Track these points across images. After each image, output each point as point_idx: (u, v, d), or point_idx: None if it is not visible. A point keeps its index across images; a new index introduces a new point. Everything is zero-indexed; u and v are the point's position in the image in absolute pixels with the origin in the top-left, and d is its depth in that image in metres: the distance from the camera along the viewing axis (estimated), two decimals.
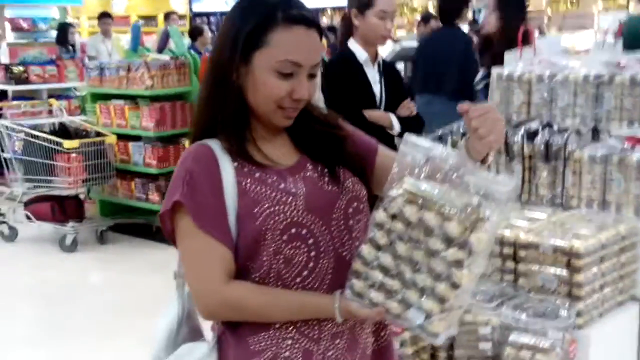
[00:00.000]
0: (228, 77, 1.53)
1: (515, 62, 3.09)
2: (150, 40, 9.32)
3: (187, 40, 8.39)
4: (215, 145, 1.53)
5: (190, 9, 21.07)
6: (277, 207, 1.49)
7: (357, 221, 1.58)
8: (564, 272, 2.17)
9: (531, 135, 2.68)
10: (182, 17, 15.87)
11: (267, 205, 1.49)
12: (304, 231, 1.51)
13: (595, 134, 2.65)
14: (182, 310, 1.65)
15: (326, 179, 1.58)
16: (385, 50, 6.38)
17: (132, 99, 6.13)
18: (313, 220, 1.52)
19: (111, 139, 5.99)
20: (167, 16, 11.39)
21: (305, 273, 1.52)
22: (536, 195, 2.66)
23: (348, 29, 3.54)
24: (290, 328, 1.52)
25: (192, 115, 6.10)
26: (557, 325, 2.07)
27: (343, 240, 1.56)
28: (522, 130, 2.70)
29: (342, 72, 3.38)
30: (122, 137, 6.10)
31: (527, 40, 3.73)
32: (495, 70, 3.07)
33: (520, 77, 2.97)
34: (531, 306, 2.15)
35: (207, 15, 21.39)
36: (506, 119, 2.90)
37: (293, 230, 1.50)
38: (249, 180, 1.51)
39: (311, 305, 1.51)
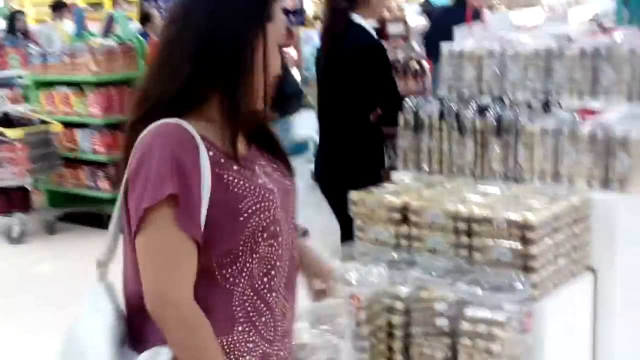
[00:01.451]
0: (238, 52, 1.42)
1: (465, 38, 3.07)
2: (96, 26, 9.08)
3: (136, 25, 8.20)
4: (190, 128, 1.40)
5: None
6: (263, 204, 1.43)
7: (294, 224, 1.56)
8: (518, 245, 2.16)
9: (483, 110, 2.66)
10: (130, 2, 15.52)
11: (252, 201, 1.41)
12: (278, 229, 1.47)
13: (547, 107, 2.64)
14: (115, 307, 1.49)
15: (279, 171, 1.54)
16: None
17: (77, 85, 5.97)
18: (282, 217, 1.48)
19: (56, 127, 5.83)
20: (115, 1, 11.14)
21: (272, 272, 1.48)
22: (489, 170, 2.65)
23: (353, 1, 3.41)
24: (252, 332, 1.47)
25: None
26: (512, 298, 2.06)
27: (293, 237, 1.54)
28: (473, 106, 2.68)
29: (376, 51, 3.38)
30: (69, 125, 5.94)
31: (478, 17, 3.74)
32: (445, 46, 3.05)
33: (471, 52, 2.96)
34: (486, 280, 2.14)
35: None
36: (457, 95, 2.88)
37: (272, 228, 1.45)
38: (229, 173, 1.42)
39: None
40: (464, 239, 2.25)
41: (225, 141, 1.43)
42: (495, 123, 2.60)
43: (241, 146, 1.48)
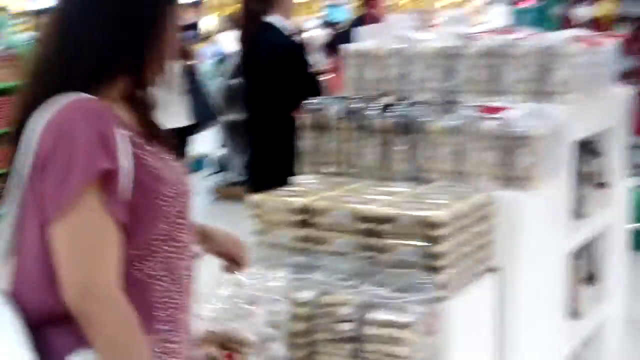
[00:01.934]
0: (148, 29, 1.35)
1: (367, 38, 3.01)
2: None
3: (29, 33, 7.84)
4: (104, 104, 1.30)
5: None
6: (179, 187, 1.33)
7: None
8: (423, 244, 2.10)
9: (385, 109, 2.60)
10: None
11: (170, 183, 1.32)
12: (186, 213, 1.38)
13: (449, 105, 2.60)
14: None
15: (171, 154, 1.44)
16: None
17: None
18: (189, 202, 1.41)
19: None
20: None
21: (187, 263, 1.39)
22: (393, 170, 2.58)
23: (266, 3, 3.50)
24: (173, 331, 1.36)
25: None
26: (417, 299, 1.99)
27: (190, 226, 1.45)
28: (376, 105, 2.62)
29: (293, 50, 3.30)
30: None
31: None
32: (347, 47, 2.98)
33: (373, 52, 2.90)
34: (392, 282, 2.06)
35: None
36: (360, 95, 2.81)
37: (186, 214, 1.36)
38: (144, 152, 1.31)
39: None
40: (368, 240, 2.17)
41: (135, 122, 1.34)
42: (399, 122, 2.54)
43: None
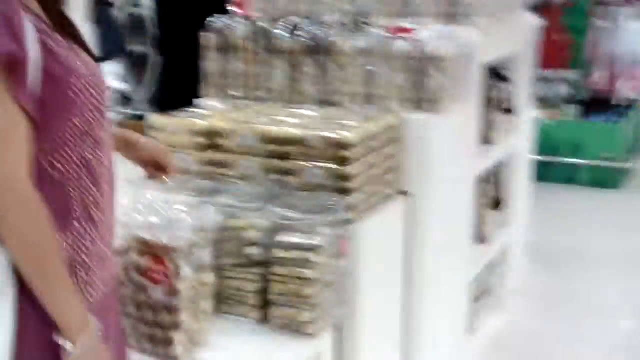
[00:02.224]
0: None
1: None
2: None
3: None
4: None
5: None
6: (91, 79, 1.22)
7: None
8: (333, 166, 2.03)
9: (294, 30, 2.49)
10: None
11: (82, 73, 1.21)
12: (102, 108, 1.27)
13: (359, 26, 2.52)
14: None
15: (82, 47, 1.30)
16: None
17: None
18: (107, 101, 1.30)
19: None
20: None
21: (105, 162, 1.28)
22: (301, 93, 2.49)
23: None
24: (91, 228, 1.27)
25: None
26: (326, 221, 1.93)
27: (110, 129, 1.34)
28: (284, 25, 2.50)
29: None
30: None
31: None
32: None
33: None
34: (301, 205, 1.99)
35: None
36: (268, 16, 2.68)
37: (102, 109, 1.25)
38: (52, 40, 1.19)
39: (68, 295, 1.21)
40: (276, 162, 2.09)
41: (42, 11, 1.22)
42: (307, 42, 2.44)
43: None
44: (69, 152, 1.23)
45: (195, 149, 2.16)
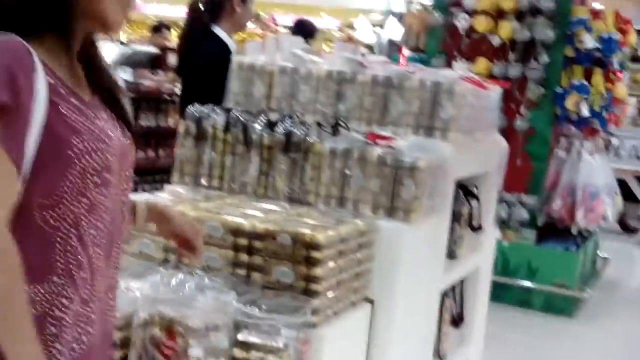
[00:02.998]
0: None
1: (257, 53, 2.90)
2: None
3: None
4: (26, 44, 1.24)
5: None
6: (97, 144, 1.29)
7: (129, 187, 1.44)
8: (301, 266, 1.97)
9: (272, 125, 2.48)
10: None
11: (86, 137, 1.27)
12: (109, 178, 1.33)
13: (337, 129, 2.52)
14: None
15: (119, 129, 1.39)
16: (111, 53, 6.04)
17: None
18: (117, 169, 1.35)
19: None
20: None
21: (100, 225, 1.32)
22: (273, 189, 2.45)
23: (215, 13, 3.73)
24: (69, 286, 1.28)
25: None
26: (291, 323, 1.85)
27: (121, 200, 1.38)
28: (262, 120, 2.49)
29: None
30: None
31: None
32: (236, 58, 2.85)
33: (262, 67, 2.79)
34: (265, 303, 1.91)
35: None
36: (246, 110, 2.67)
37: (105, 175, 1.31)
38: (65, 103, 1.28)
39: (26, 344, 1.19)
40: (243, 257, 2.02)
41: (66, 73, 1.31)
42: (283, 138, 2.43)
43: (84, 91, 1.35)
44: (61, 208, 1.25)
45: (157, 234, 2.09)
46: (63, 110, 1.26)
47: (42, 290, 1.26)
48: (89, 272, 1.31)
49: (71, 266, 1.28)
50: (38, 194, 1.24)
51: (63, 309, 1.27)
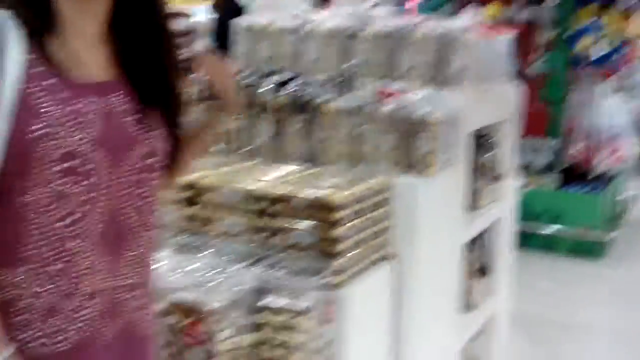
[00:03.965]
0: None
1: (261, 14, 2.86)
2: None
3: None
4: (4, 14, 1.18)
5: None
6: (58, 129, 1.19)
7: (146, 180, 1.33)
8: (319, 227, 1.95)
9: (280, 86, 2.45)
10: None
11: (46, 122, 1.18)
12: (85, 167, 1.23)
13: (346, 86, 2.48)
14: None
15: (133, 115, 1.29)
16: None
17: None
18: (100, 158, 1.24)
19: None
20: None
21: (76, 216, 1.23)
22: (286, 151, 2.43)
23: None
24: (42, 276, 1.23)
25: None
26: (314, 284, 1.84)
27: (124, 193, 1.29)
28: (270, 81, 2.46)
29: None
30: None
31: None
32: (239, 21, 2.81)
33: (266, 28, 2.74)
34: (286, 266, 1.90)
35: None
36: (252, 72, 2.64)
37: (71, 163, 1.21)
38: (36, 83, 1.19)
39: None
40: (260, 221, 2.00)
41: (60, 47, 1.22)
42: (293, 100, 2.40)
43: (99, 69, 1.27)
44: (34, 197, 1.20)
45: (176, 203, 2.08)
46: (28, 90, 1.19)
47: (10, 276, 1.22)
48: (70, 264, 1.24)
49: (44, 256, 1.22)
50: (11, 176, 1.20)
51: (32, 298, 1.22)
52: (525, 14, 5.30)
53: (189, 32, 5.11)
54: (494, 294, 3.17)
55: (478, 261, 2.98)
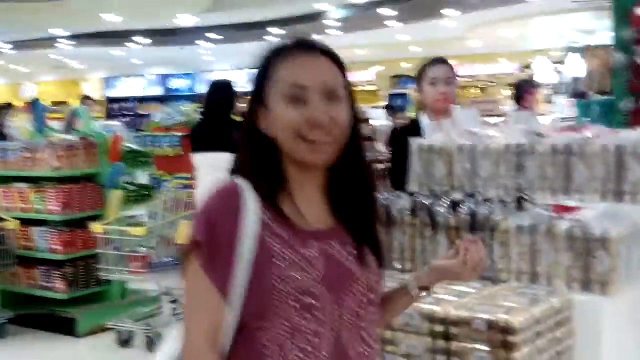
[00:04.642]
0: (253, 125, 1.50)
1: (434, 133, 3.01)
2: (59, 124, 9.05)
3: (100, 122, 8.16)
4: (243, 183, 1.46)
5: (105, 94, 20.96)
6: (293, 273, 1.42)
7: (366, 314, 1.50)
8: (499, 350, 2.01)
9: (455, 206, 2.56)
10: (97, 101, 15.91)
11: (283, 266, 1.41)
12: (316, 304, 1.43)
13: (520, 204, 2.54)
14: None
15: (351, 256, 1.50)
16: None
17: (35, 181, 5.78)
18: (326, 295, 1.44)
19: (13, 224, 5.60)
20: (83, 100, 11.21)
21: (308, 349, 1.43)
22: None
23: None
24: None
25: (101, 196, 5.78)
26: None
27: (348, 326, 1.47)
28: (445, 201, 2.58)
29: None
30: (26, 222, 5.71)
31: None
32: (415, 141, 2.97)
33: (441, 147, 2.88)
34: None
35: (123, 100, 21.38)
36: (429, 191, 2.77)
37: (305, 300, 1.42)
38: (270, 234, 1.44)
39: None
40: (441, 343, 2.09)
41: (286, 204, 1.47)
42: (468, 218, 2.49)
43: (319, 219, 1.50)
44: (268, 332, 1.41)
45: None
46: (265, 241, 1.42)
47: None
48: None
49: None
50: (251, 316, 1.41)
51: None
52: None
53: (371, 139, 5.39)
54: None
55: None
